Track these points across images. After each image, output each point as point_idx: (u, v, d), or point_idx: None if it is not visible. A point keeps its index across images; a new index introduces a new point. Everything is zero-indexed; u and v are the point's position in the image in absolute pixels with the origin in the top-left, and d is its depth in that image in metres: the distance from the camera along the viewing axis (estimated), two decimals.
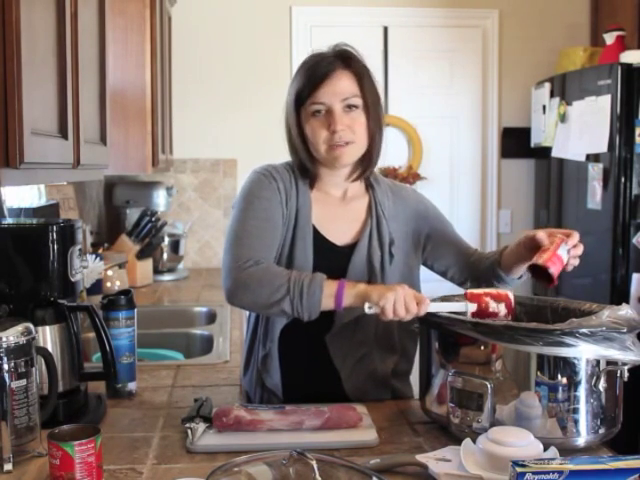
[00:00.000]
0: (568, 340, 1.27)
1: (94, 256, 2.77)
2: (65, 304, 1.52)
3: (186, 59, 3.86)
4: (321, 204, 1.69)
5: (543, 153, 3.85)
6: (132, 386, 1.72)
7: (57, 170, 1.58)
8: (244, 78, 3.88)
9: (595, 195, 3.34)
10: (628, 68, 3.18)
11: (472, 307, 1.46)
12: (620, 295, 3.16)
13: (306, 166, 1.66)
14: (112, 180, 3.77)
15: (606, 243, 3.27)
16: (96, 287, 2.75)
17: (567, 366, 1.30)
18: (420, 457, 1.27)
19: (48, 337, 1.50)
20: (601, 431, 1.33)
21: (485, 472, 1.19)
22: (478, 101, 4.09)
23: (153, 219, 3.35)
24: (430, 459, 1.26)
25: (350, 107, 1.58)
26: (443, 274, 1.77)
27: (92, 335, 1.68)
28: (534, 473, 1.01)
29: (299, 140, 1.64)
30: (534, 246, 1.53)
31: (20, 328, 1.32)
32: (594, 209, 3.35)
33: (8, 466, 1.27)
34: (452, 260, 1.74)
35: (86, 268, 1.64)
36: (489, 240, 4.12)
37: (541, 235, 1.52)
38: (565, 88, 3.61)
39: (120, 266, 3.07)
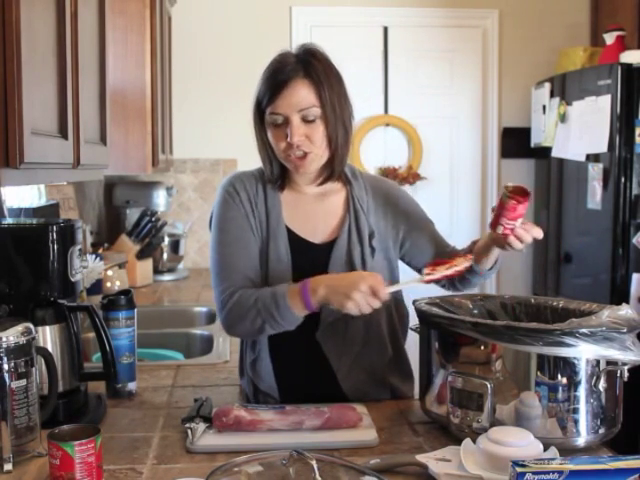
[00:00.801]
0: (568, 340, 1.26)
1: (94, 256, 2.77)
2: (65, 304, 1.52)
3: (186, 59, 3.87)
4: (294, 204, 1.68)
5: (543, 153, 3.85)
6: (132, 386, 1.72)
7: (57, 170, 1.58)
8: (244, 78, 3.86)
9: (595, 195, 3.34)
10: (628, 68, 3.18)
11: (426, 272, 1.52)
12: (620, 295, 3.16)
13: (273, 169, 1.65)
14: (112, 180, 3.77)
15: (606, 243, 3.27)
16: (96, 287, 2.75)
17: (567, 366, 1.30)
18: (420, 457, 1.27)
19: (48, 337, 1.50)
20: (601, 431, 1.33)
21: (485, 472, 1.19)
22: (478, 101, 4.09)
23: (153, 219, 3.35)
24: (430, 459, 1.26)
25: (307, 118, 1.55)
26: (419, 271, 1.71)
27: (92, 335, 1.69)
28: (534, 473, 1.01)
29: (262, 144, 1.64)
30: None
31: (20, 328, 1.32)
32: (594, 209, 3.35)
33: (8, 466, 1.27)
34: (429, 258, 1.71)
35: (86, 268, 1.64)
36: None
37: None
38: (565, 88, 3.61)
39: (120, 266, 3.07)
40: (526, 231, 1.44)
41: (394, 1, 3.99)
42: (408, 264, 1.77)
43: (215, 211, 1.68)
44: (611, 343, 1.28)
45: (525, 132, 4.01)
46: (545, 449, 1.22)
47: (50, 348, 1.47)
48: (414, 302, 1.53)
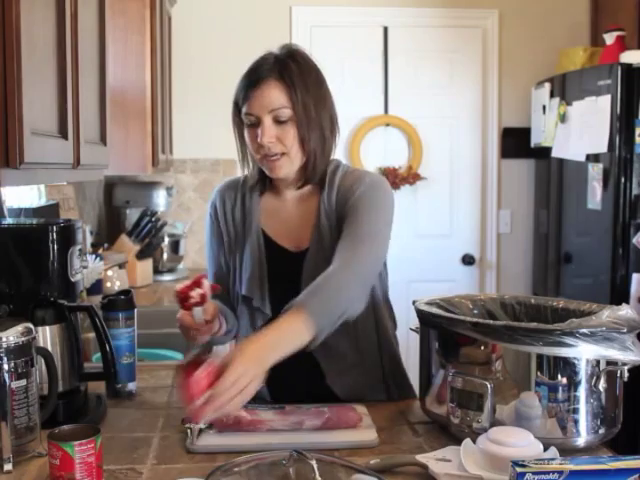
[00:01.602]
0: (568, 340, 1.27)
1: (94, 256, 2.77)
2: (65, 304, 1.52)
3: (186, 59, 3.87)
4: (272, 209, 1.67)
5: (543, 153, 3.85)
6: (132, 386, 1.72)
7: (57, 170, 1.58)
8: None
9: (595, 195, 3.34)
10: (628, 68, 3.18)
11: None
12: (620, 295, 3.16)
13: (251, 171, 1.66)
14: (112, 180, 3.77)
15: (606, 243, 3.27)
16: (96, 287, 2.75)
17: (567, 366, 1.30)
18: (420, 457, 1.27)
19: (48, 337, 1.50)
20: (601, 431, 1.33)
21: (485, 472, 1.19)
22: (478, 101, 4.09)
23: (153, 219, 3.35)
24: (430, 459, 1.26)
25: (279, 119, 1.54)
26: None
27: (92, 335, 1.68)
28: (534, 473, 1.01)
29: (241, 145, 1.65)
30: None
31: (20, 328, 1.32)
32: (594, 209, 3.35)
33: (8, 466, 1.27)
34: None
35: (86, 268, 1.64)
36: (489, 240, 4.12)
37: None
38: (565, 88, 3.61)
39: (120, 266, 3.07)
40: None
41: (394, 1, 3.99)
42: None
43: None
44: (611, 343, 1.28)
45: (525, 132, 4.01)
46: (545, 449, 1.22)
47: (50, 348, 1.47)
48: (414, 302, 1.53)
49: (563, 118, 3.57)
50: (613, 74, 3.20)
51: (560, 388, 1.30)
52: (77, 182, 3.04)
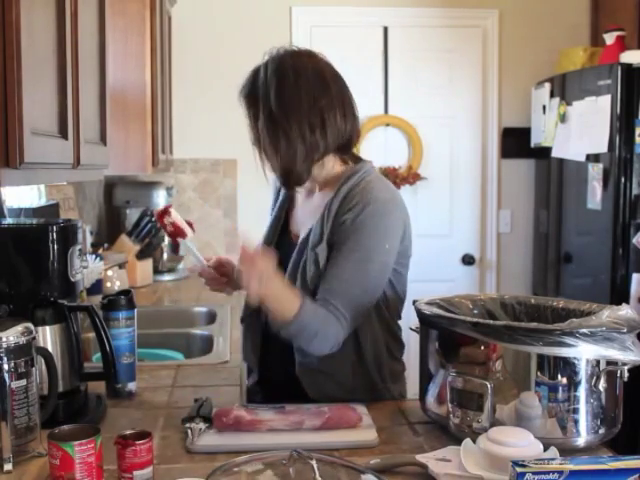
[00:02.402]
0: (568, 340, 1.27)
1: (94, 256, 2.78)
2: (65, 304, 1.52)
3: (186, 59, 3.87)
4: (297, 201, 1.80)
5: (543, 153, 3.85)
6: (132, 386, 1.72)
7: (57, 170, 1.58)
8: (244, 78, 3.88)
9: (595, 195, 3.34)
10: (628, 68, 3.18)
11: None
12: (620, 295, 3.16)
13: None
14: (112, 180, 3.77)
15: (606, 243, 3.27)
16: (96, 287, 2.75)
17: (567, 366, 1.30)
18: (420, 457, 1.27)
19: (48, 337, 1.50)
20: (601, 431, 1.33)
21: (485, 472, 1.19)
22: (478, 101, 4.09)
23: (153, 219, 3.35)
24: (430, 459, 1.26)
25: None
26: None
27: (92, 335, 1.68)
28: (534, 473, 1.01)
29: None
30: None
31: (20, 328, 1.32)
32: (594, 209, 3.35)
33: (8, 466, 1.27)
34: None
35: (86, 268, 1.64)
36: (489, 240, 4.12)
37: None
38: (565, 88, 3.61)
39: (120, 266, 3.07)
40: None
41: (394, 1, 3.99)
42: None
43: None
44: (611, 343, 1.28)
45: (525, 132, 4.01)
46: (545, 449, 1.22)
47: (50, 348, 1.47)
48: (414, 302, 1.53)
49: (563, 118, 3.57)
50: (613, 74, 3.21)
51: (560, 388, 1.30)
52: (77, 182, 3.04)
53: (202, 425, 1.41)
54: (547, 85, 3.75)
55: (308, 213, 1.72)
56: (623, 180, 3.21)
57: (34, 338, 1.34)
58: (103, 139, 2.00)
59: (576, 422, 1.31)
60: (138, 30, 2.94)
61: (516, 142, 4.08)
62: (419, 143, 4.02)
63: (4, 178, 1.23)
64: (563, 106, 3.58)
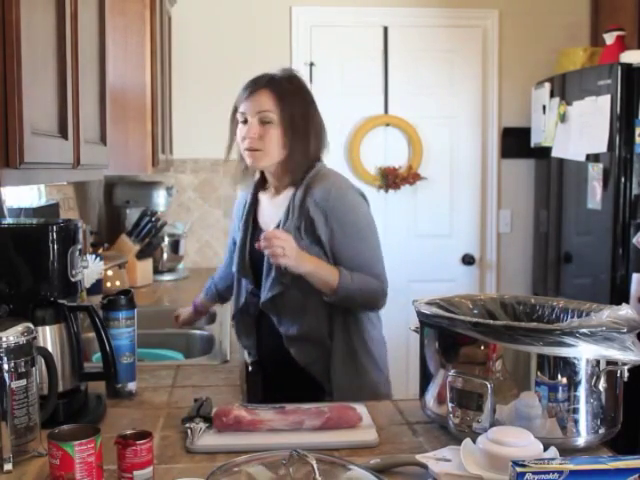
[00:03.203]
0: (568, 340, 1.27)
1: (94, 256, 2.77)
2: (65, 304, 1.52)
3: (186, 59, 3.86)
4: (265, 202, 2.07)
5: (543, 153, 3.85)
6: (132, 386, 1.72)
7: (57, 170, 1.58)
8: (244, 78, 3.87)
9: (595, 195, 3.34)
10: (628, 68, 3.18)
11: None
12: (620, 295, 3.16)
13: (241, 163, 2.05)
14: (112, 180, 3.77)
15: (606, 243, 3.27)
16: (96, 287, 2.75)
17: (567, 366, 1.30)
18: (420, 457, 1.27)
19: (48, 337, 1.50)
20: (601, 431, 1.33)
21: (485, 472, 1.19)
22: (478, 101, 4.09)
23: (153, 219, 3.35)
24: (430, 459, 1.26)
25: (264, 120, 1.90)
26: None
27: (92, 335, 1.68)
28: (534, 473, 1.01)
29: (230, 139, 2.03)
30: None
31: (20, 328, 1.32)
32: (594, 209, 3.35)
33: (8, 466, 1.27)
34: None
35: (86, 268, 1.64)
36: (489, 240, 4.12)
37: None
38: (565, 88, 3.61)
39: (120, 266, 3.07)
40: None
41: (394, 1, 3.99)
42: None
43: None
44: (611, 343, 1.28)
45: (525, 132, 4.00)
46: (545, 449, 1.22)
47: (50, 348, 1.47)
48: (414, 302, 1.53)
49: (563, 118, 3.57)
50: (613, 74, 3.20)
51: (560, 388, 1.30)
52: (77, 182, 3.03)
53: (202, 425, 1.42)
54: (547, 85, 3.75)
55: (275, 209, 2.00)
56: (623, 180, 3.21)
57: (34, 338, 1.34)
58: (103, 139, 2.00)
59: (576, 422, 1.31)
60: (138, 30, 2.94)
61: (516, 142, 4.08)
62: (419, 143, 4.02)
63: (4, 178, 1.23)
64: (563, 106, 3.58)
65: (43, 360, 1.41)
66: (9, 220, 2.02)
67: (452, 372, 1.38)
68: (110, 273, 2.95)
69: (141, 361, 1.95)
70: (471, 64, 4.06)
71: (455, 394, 1.37)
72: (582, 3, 4.06)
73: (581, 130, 3.43)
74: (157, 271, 3.54)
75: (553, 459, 1.09)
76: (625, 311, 1.35)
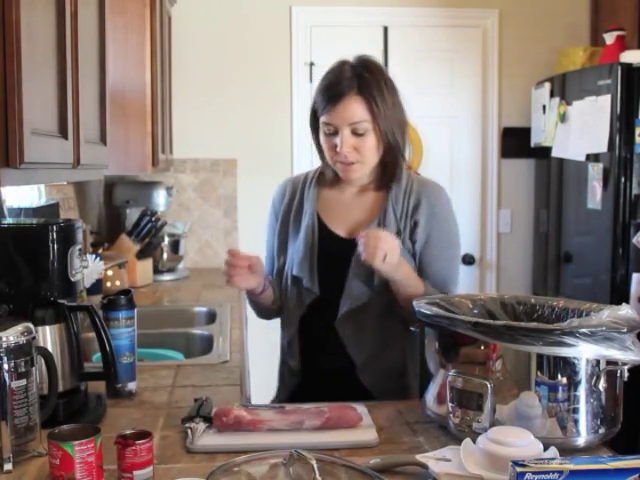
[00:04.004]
0: (568, 340, 1.27)
1: (94, 256, 2.77)
2: (65, 304, 1.52)
3: (186, 59, 3.86)
4: (331, 201, 1.84)
5: (543, 153, 3.85)
6: (132, 386, 1.72)
7: (57, 170, 1.58)
8: (244, 78, 3.88)
9: (595, 195, 3.34)
10: (628, 68, 3.18)
11: None
12: (620, 295, 3.16)
13: (326, 167, 1.82)
14: (112, 180, 3.77)
15: (606, 243, 3.27)
16: (96, 287, 2.75)
17: (567, 366, 1.30)
18: (420, 457, 1.27)
19: (48, 337, 1.50)
20: (601, 431, 1.33)
21: (485, 472, 1.19)
22: (478, 101, 4.09)
23: (153, 219, 3.35)
24: (430, 459, 1.26)
25: (358, 132, 1.70)
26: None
27: (92, 335, 1.69)
28: (534, 473, 1.01)
29: (316, 146, 1.81)
30: None
31: (20, 328, 1.32)
32: (594, 209, 3.35)
33: (8, 466, 1.27)
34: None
35: (86, 268, 1.64)
36: (489, 240, 4.12)
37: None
38: (565, 88, 3.61)
39: (120, 266, 3.07)
40: None
41: (394, 1, 3.99)
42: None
43: None
44: (611, 343, 1.28)
45: (525, 132, 4.00)
46: (545, 449, 1.22)
47: (50, 348, 1.47)
48: (414, 302, 1.53)
49: (563, 118, 3.57)
50: (613, 74, 3.20)
51: (560, 388, 1.30)
52: (77, 182, 3.03)
53: (202, 425, 1.42)
54: (547, 85, 3.75)
55: (357, 210, 1.81)
56: (623, 180, 3.21)
57: (34, 338, 1.34)
58: (103, 139, 2.00)
59: (576, 422, 1.31)
60: (138, 30, 2.94)
61: (516, 142, 4.08)
62: (419, 143, 4.02)
63: (4, 178, 1.23)
64: (563, 106, 3.58)
65: (43, 360, 1.41)
66: (9, 220, 2.02)
67: (452, 372, 1.38)
68: (110, 273, 2.95)
69: (141, 361, 1.95)
70: (471, 64, 4.06)
71: (455, 394, 1.37)
72: (582, 3, 4.06)
73: (581, 130, 3.43)
74: (157, 271, 3.54)
75: (553, 459, 1.09)
76: (625, 311, 1.35)
